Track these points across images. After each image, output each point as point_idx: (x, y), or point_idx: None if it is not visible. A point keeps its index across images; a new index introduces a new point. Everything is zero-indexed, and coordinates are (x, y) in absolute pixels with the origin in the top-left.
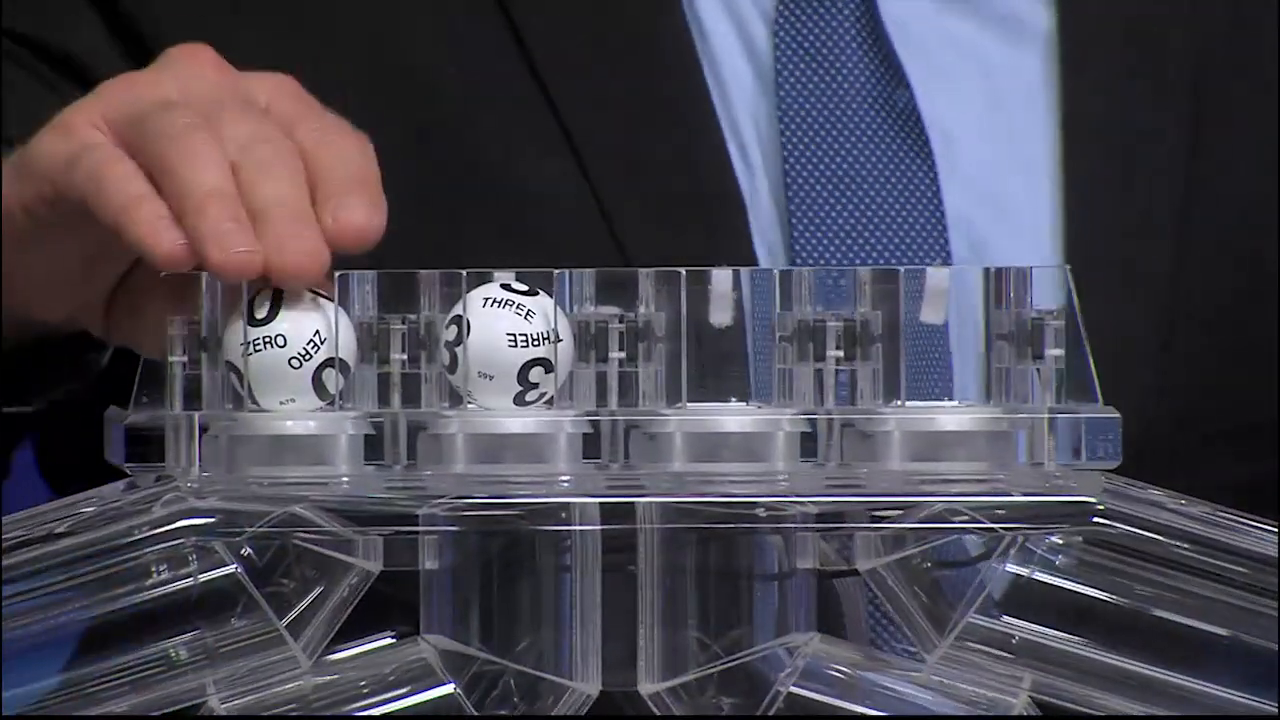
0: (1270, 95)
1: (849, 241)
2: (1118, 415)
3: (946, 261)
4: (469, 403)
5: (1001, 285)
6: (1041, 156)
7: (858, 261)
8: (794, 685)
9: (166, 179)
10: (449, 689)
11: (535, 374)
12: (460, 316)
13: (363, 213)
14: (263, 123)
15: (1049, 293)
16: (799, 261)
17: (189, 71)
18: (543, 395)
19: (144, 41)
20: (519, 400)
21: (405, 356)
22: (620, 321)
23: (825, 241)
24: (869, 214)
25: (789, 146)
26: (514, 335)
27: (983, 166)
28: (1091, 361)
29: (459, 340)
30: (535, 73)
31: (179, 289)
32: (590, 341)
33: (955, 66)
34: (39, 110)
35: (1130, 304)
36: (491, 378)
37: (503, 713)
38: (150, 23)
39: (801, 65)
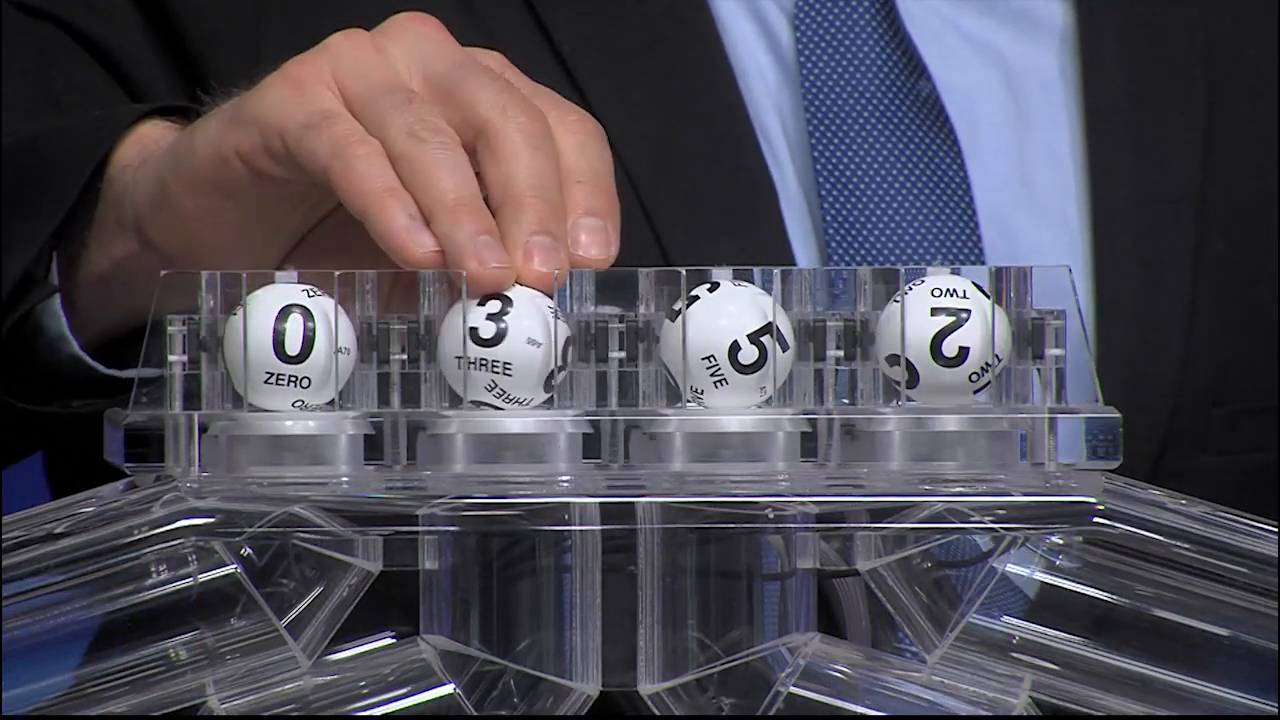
0: (1276, 79)
1: (881, 230)
2: (1118, 415)
3: (978, 248)
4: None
5: (1002, 285)
6: (1062, 145)
7: (894, 250)
8: (794, 685)
9: (411, 176)
10: (449, 689)
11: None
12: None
13: (600, 245)
14: (510, 91)
15: (1050, 293)
16: (832, 250)
17: (417, 42)
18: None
19: (183, 40)
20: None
21: (405, 356)
22: (620, 321)
23: (857, 230)
24: (899, 203)
25: (816, 137)
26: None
27: (1007, 155)
28: (1092, 360)
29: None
30: (566, 69)
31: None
32: (590, 341)
33: (972, 59)
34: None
35: (1155, 286)
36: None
37: (502, 713)
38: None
39: (824, 59)
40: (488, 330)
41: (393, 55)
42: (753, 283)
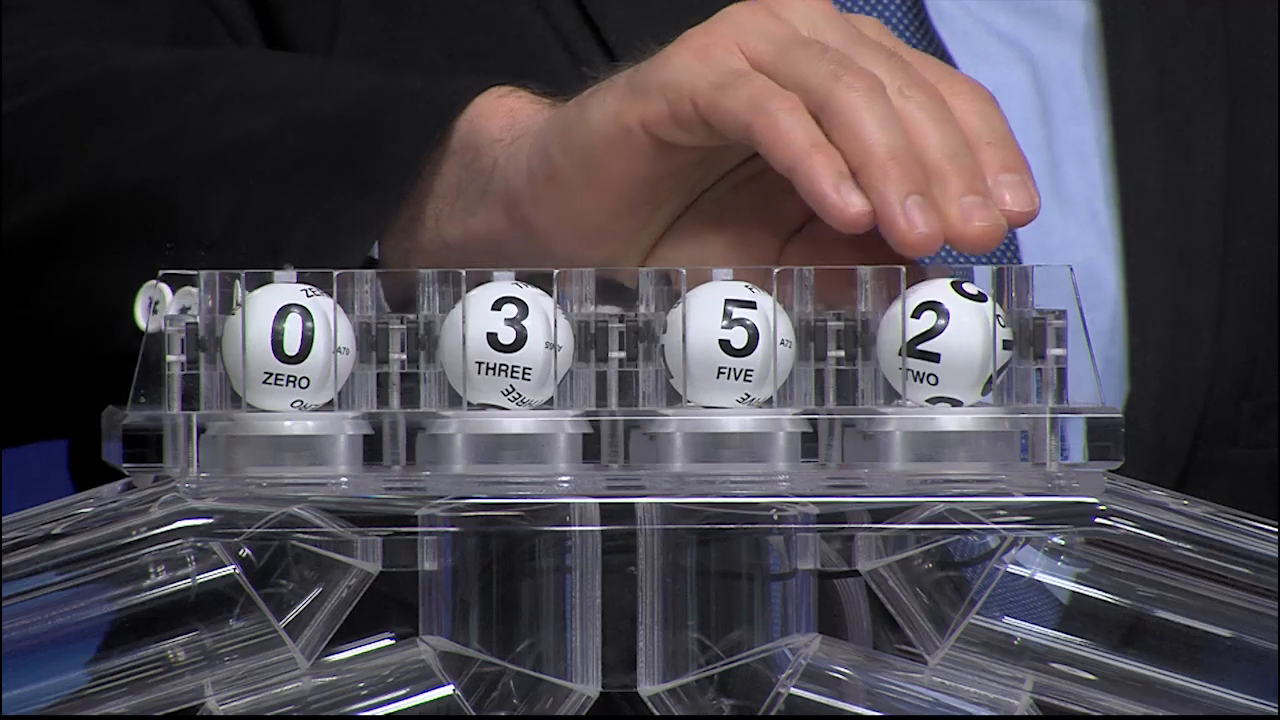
0: None
1: None
2: (1119, 415)
3: (1014, 244)
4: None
5: (1003, 285)
6: (1089, 141)
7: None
8: (795, 686)
9: (840, 128)
10: (448, 690)
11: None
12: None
13: (1024, 199)
14: (904, 68)
15: (1052, 293)
16: None
17: (808, 12)
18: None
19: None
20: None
21: (404, 356)
22: (620, 321)
23: None
24: None
25: None
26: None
27: (1036, 152)
28: (1093, 360)
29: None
30: (614, 60)
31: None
32: (590, 341)
33: (1000, 56)
34: None
35: (1186, 280)
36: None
37: (502, 714)
38: None
39: None
40: (507, 336)
41: (791, 20)
42: (757, 283)
